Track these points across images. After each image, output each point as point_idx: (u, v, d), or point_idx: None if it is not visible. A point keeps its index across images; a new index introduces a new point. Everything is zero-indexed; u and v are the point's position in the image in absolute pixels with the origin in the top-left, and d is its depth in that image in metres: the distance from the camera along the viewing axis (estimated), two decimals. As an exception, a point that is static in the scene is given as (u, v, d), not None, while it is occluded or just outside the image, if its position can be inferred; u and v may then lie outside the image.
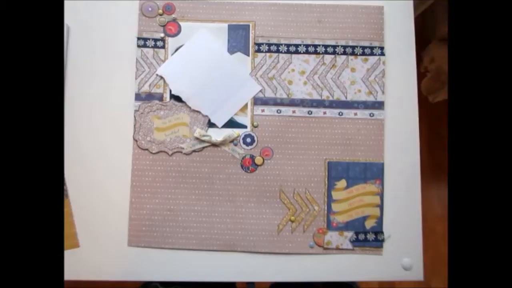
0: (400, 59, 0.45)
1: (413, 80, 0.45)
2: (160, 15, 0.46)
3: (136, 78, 0.45)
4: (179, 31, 0.46)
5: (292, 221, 0.44)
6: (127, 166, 0.45)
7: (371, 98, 0.45)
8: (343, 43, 0.45)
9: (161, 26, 0.46)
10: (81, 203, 0.44)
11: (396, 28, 0.45)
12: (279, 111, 0.45)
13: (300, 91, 0.45)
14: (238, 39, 0.46)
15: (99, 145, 0.45)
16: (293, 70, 0.46)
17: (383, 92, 0.45)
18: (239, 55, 0.46)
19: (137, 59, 0.45)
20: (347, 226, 0.44)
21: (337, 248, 0.44)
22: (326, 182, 0.45)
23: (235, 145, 0.45)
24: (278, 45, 0.46)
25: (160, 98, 0.45)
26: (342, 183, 0.45)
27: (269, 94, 0.45)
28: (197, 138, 0.45)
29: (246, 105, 0.45)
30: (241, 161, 0.45)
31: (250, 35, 0.46)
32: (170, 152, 0.45)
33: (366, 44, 0.45)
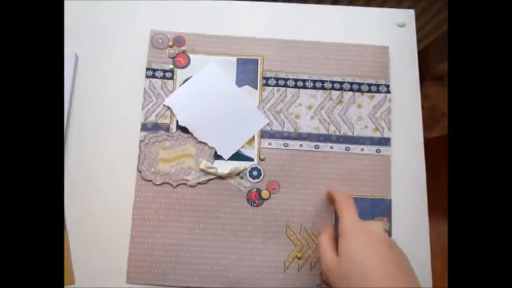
0: (405, 97, 0.46)
1: (418, 117, 0.46)
2: (170, 47, 0.46)
3: (142, 108, 0.45)
4: (188, 63, 0.46)
5: (299, 258, 0.43)
6: (129, 198, 0.43)
7: (377, 134, 0.46)
8: (349, 80, 0.46)
9: (171, 57, 0.46)
10: (79, 236, 0.42)
11: (401, 67, 0.47)
12: (286, 145, 0.45)
13: (307, 125, 0.46)
14: (247, 72, 0.46)
15: (101, 176, 0.43)
16: (300, 105, 0.46)
17: (389, 129, 0.46)
18: (247, 88, 0.46)
19: (145, 89, 0.45)
20: (354, 264, 0.43)
21: (345, 287, 0.43)
22: (333, 217, 0.44)
23: (241, 178, 0.44)
24: (286, 79, 0.46)
25: (167, 128, 0.45)
26: (349, 219, 0.44)
27: (276, 127, 0.45)
28: (202, 170, 0.44)
29: (253, 138, 0.45)
30: (247, 194, 0.44)
31: (259, 69, 0.46)
32: (174, 184, 0.44)
33: (372, 81, 0.46)
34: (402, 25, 0.47)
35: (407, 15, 0.48)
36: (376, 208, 0.44)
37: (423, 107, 0.96)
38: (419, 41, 0.83)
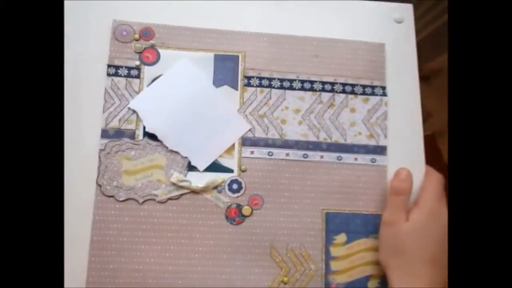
0: (403, 101, 0.42)
1: (419, 124, 0.41)
2: (136, 40, 0.40)
3: (103, 112, 0.38)
4: (157, 60, 0.40)
5: (285, 283, 0.38)
6: (87, 216, 0.37)
7: (372, 142, 0.41)
8: (342, 80, 0.41)
9: (137, 53, 0.40)
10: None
11: (398, 67, 0.42)
12: (270, 154, 0.40)
13: (294, 131, 0.40)
14: (225, 71, 0.40)
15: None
16: (287, 108, 0.41)
17: (385, 136, 0.41)
18: (226, 88, 0.40)
19: (106, 89, 0.39)
20: (347, 288, 0.39)
21: (336, 315, 0.38)
22: (324, 236, 0.39)
23: (219, 192, 0.39)
24: (270, 79, 0.41)
25: (132, 135, 0.38)
26: (341, 237, 0.39)
27: (259, 134, 0.40)
28: (174, 184, 0.38)
29: (233, 146, 0.40)
30: (226, 211, 0.38)
31: (239, 67, 0.41)
32: (140, 200, 0.38)
33: (367, 83, 0.42)
34: (399, 21, 0.43)
35: (406, 10, 0.43)
36: (371, 225, 0.40)
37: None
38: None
